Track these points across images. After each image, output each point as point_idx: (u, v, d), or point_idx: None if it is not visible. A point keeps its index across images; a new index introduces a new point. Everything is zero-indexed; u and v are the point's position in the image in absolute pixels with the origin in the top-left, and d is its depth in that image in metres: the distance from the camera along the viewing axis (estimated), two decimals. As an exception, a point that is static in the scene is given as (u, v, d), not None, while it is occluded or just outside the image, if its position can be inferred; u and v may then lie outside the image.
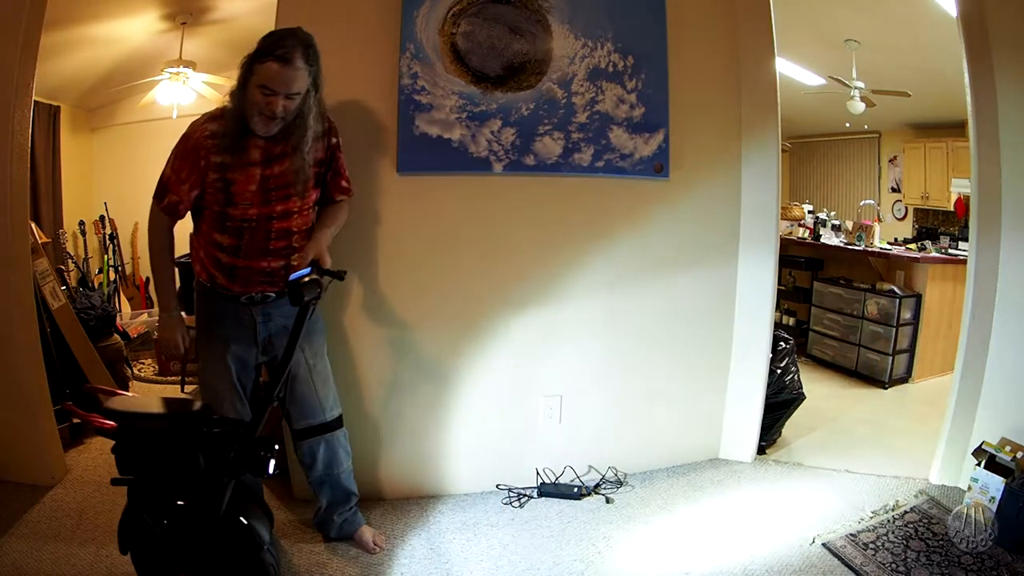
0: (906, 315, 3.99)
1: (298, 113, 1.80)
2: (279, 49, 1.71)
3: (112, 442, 1.65)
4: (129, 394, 1.76)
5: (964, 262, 2.76)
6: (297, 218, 1.90)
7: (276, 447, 1.66)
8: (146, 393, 3.61)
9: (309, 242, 1.89)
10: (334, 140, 1.97)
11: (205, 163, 1.78)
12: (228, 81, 4.47)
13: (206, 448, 1.63)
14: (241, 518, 1.69)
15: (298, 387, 1.99)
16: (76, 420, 1.70)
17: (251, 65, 1.74)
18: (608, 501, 2.53)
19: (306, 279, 1.70)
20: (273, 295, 1.91)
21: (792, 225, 5.33)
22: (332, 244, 1.96)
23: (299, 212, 1.90)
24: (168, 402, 1.77)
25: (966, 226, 3.14)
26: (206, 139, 1.78)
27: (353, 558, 2.10)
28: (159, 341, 1.96)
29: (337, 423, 2.07)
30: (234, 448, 1.64)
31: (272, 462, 1.65)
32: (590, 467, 2.67)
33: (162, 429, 1.65)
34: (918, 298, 4.02)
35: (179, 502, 1.64)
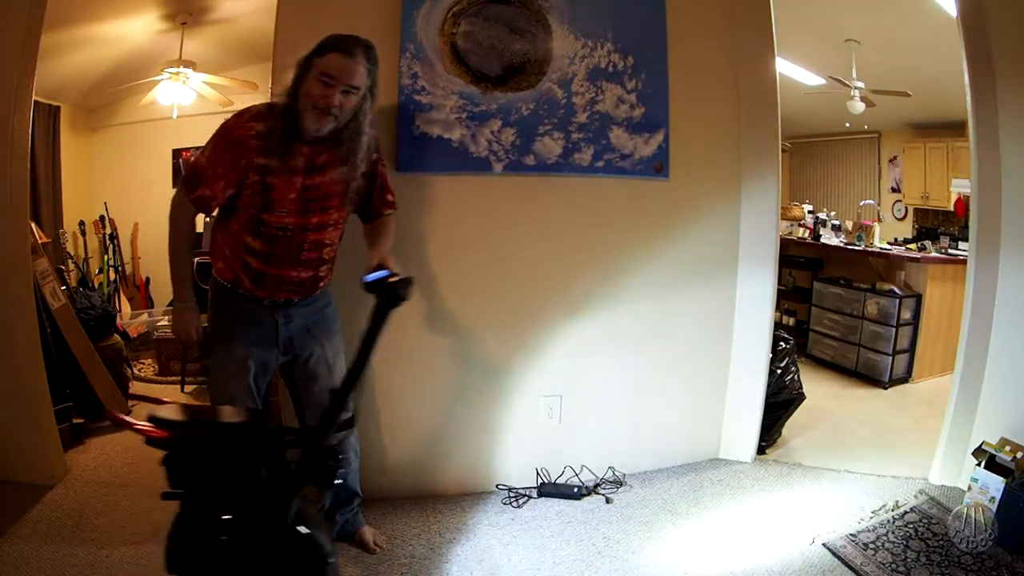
0: (906, 315, 3.99)
1: (352, 117, 1.77)
2: (341, 43, 1.71)
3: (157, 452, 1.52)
4: (176, 403, 1.71)
5: (964, 262, 2.76)
6: (332, 231, 1.88)
7: (340, 456, 1.61)
8: (146, 394, 3.61)
9: (372, 251, 1.82)
10: (375, 155, 1.94)
11: (246, 163, 1.72)
12: (228, 81, 4.52)
13: (268, 458, 1.56)
14: (303, 528, 1.59)
15: (317, 386, 1.97)
16: (128, 427, 1.58)
17: (310, 59, 1.71)
18: (608, 501, 2.53)
19: (394, 277, 1.61)
20: (296, 300, 1.89)
21: (792, 225, 5.33)
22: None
23: (334, 225, 1.88)
24: (223, 411, 1.71)
25: (966, 226, 3.14)
26: (251, 138, 1.72)
27: (354, 558, 2.10)
28: (173, 329, 1.94)
29: (350, 423, 2.04)
30: (300, 457, 1.56)
31: (340, 472, 1.60)
32: (590, 467, 2.67)
33: (221, 438, 1.56)
34: (918, 298, 4.02)
35: (239, 516, 1.54)
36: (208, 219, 2.30)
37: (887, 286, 4.08)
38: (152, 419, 1.57)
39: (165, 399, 1.73)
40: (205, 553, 1.54)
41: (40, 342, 2.48)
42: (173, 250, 1.85)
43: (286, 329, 1.90)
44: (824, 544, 2.20)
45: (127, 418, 1.61)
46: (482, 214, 2.46)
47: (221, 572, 1.55)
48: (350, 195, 1.88)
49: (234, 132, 1.74)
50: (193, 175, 1.76)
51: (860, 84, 5.09)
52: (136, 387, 3.65)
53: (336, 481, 1.60)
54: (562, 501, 2.52)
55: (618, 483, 2.65)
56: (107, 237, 5.13)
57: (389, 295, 1.60)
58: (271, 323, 1.88)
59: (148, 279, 5.41)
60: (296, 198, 1.77)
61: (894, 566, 2.06)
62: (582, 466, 2.65)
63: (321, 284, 1.94)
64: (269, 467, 1.56)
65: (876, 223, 4.62)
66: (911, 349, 4.04)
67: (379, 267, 1.70)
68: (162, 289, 5.29)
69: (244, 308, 1.86)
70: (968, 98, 2.47)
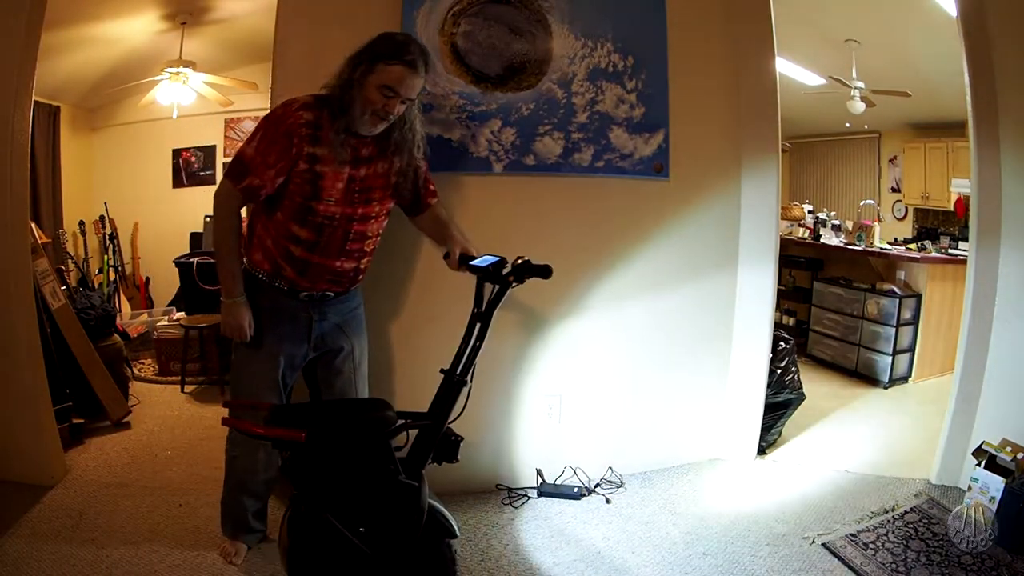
0: (906, 315, 3.99)
1: (402, 118, 1.81)
2: (408, 55, 1.71)
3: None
4: (289, 403, 1.72)
5: (964, 262, 2.76)
6: (374, 223, 1.90)
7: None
8: (146, 393, 3.61)
9: (449, 241, 1.94)
10: (420, 152, 1.96)
11: (297, 151, 1.72)
12: (228, 81, 4.52)
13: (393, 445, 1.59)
14: (435, 504, 1.64)
15: (340, 382, 1.97)
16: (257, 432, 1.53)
17: (373, 64, 1.71)
18: (607, 501, 2.53)
19: (517, 262, 1.77)
20: (332, 294, 1.89)
21: (792, 225, 5.33)
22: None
23: (376, 217, 1.90)
24: (351, 404, 1.74)
25: (966, 226, 3.14)
26: (301, 126, 1.72)
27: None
28: (224, 325, 1.85)
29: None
30: (424, 437, 1.62)
31: (460, 444, 1.66)
32: (589, 467, 2.67)
33: (356, 433, 1.57)
34: (918, 298, 4.02)
35: (376, 506, 1.56)
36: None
37: (887, 286, 4.08)
38: (277, 420, 1.55)
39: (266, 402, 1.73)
40: (342, 546, 1.53)
41: (40, 342, 2.48)
42: (221, 244, 1.81)
43: (319, 326, 1.90)
44: (824, 544, 2.20)
45: (254, 426, 1.53)
46: (482, 214, 2.46)
47: (358, 562, 1.54)
48: (394, 189, 1.91)
49: (285, 121, 1.73)
50: (240, 165, 1.74)
51: (860, 84, 5.09)
52: (136, 387, 3.65)
53: (458, 457, 1.66)
54: (562, 501, 2.52)
55: (618, 483, 2.65)
56: (107, 237, 5.13)
57: (516, 274, 1.74)
58: (306, 319, 1.88)
59: (148, 279, 5.41)
60: (343, 188, 1.79)
61: (894, 566, 2.06)
62: (585, 466, 2.65)
63: (360, 277, 1.95)
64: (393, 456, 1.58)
65: (876, 223, 4.62)
66: (911, 349, 4.04)
67: (463, 254, 1.85)
68: (162, 289, 5.29)
69: (279, 302, 1.85)
70: (968, 98, 2.47)
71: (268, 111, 1.84)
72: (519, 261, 1.77)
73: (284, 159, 1.72)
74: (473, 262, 1.83)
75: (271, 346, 1.86)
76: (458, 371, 1.71)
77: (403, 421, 1.63)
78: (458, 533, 1.68)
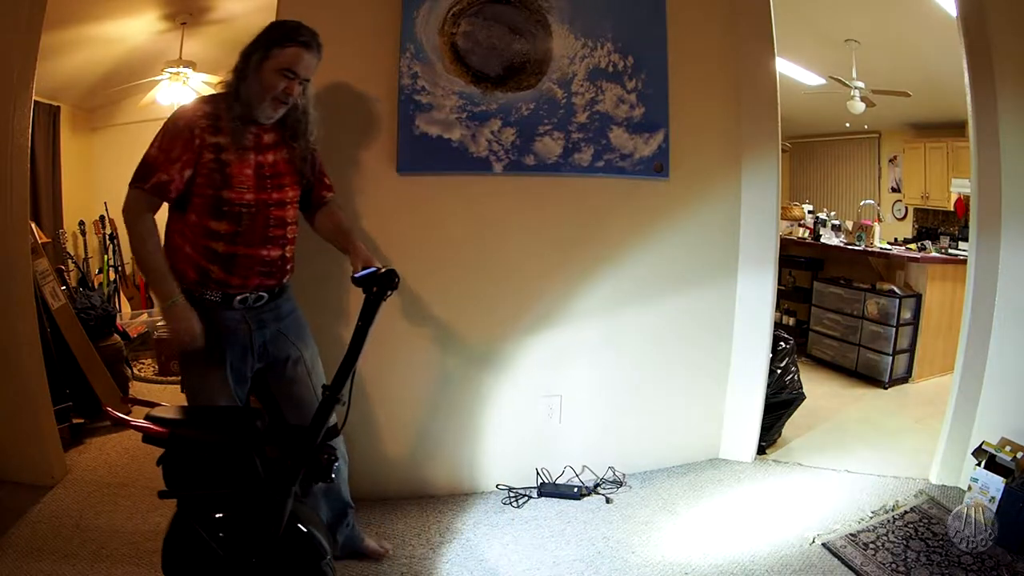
0: (906, 315, 3.99)
1: (295, 103, 1.81)
2: (301, 36, 1.73)
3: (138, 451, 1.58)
4: (168, 405, 1.70)
5: (964, 262, 2.76)
6: (290, 208, 1.88)
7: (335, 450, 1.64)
8: (146, 393, 3.61)
9: (351, 253, 1.86)
10: (313, 137, 1.93)
11: (200, 142, 1.72)
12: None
13: (263, 455, 1.58)
14: (300, 525, 1.61)
15: (296, 390, 1.92)
16: (125, 423, 1.59)
17: (268, 49, 1.72)
18: (608, 501, 2.53)
19: (382, 269, 1.72)
20: (266, 296, 1.84)
21: (792, 225, 5.33)
22: (327, 246, 1.97)
23: (292, 203, 1.88)
24: (220, 411, 1.71)
25: (966, 226, 3.14)
26: (200, 118, 1.73)
27: (356, 560, 2.10)
28: (172, 334, 1.74)
29: (335, 429, 1.90)
30: (295, 453, 1.59)
31: (336, 465, 1.63)
32: (590, 467, 2.67)
33: (220, 437, 1.57)
34: (918, 298, 4.02)
35: (238, 513, 1.57)
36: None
37: (887, 286, 4.08)
38: (151, 417, 1.58)
39: (160, 403, 1.73)
40: (203, 551, 1.54)
41: (40, 342, 2.48)
42: (139, 248, 1.74)
43: (260, 335, 1.84)
44: (824, 544, 2.20)
45: (125, 416, 1.59)
46: (482, 214, 2.46)
47: (218, 570, 1.56)
48: (300, 175, 1.90)
49: (182, 117, 1.74)
50: (145, 167, 1.73)
51: (860, 84, 5.09)
52: (136, 387, 3.65)
53: (332, 476, 1.62)
54: (562, 501, 2.52)
55: (618, 483, 2.65)
56: (107, 237, 5.13)
57: (380, 286, 1.68)
58: (245, 330, 1.82)
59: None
60: (252, 174, 1.78)
61: (894, 566, 2.06)
62: (582, 466, 2.65)
63: (288, 268, 1.90)
64: (264, 464, 1.57)
65: (876, 223, 4.61)
66: (911, 349, 4.04)
67: (364, 267, 1.77)
68: (162, 289, 5.28)
69: (214, 316, 1.78)
70: (968, 98, 2.47)
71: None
72: (381, 271, 1.73)
73: (188, 151, 1.71)
74: (355, 274, 1.76)
75: (218, 365, 1.79)
76: (340, 388, 1.67)
77: (268, 434, 1.62)
78: (328, 553, 1.65)
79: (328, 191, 2.02)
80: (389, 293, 1.73)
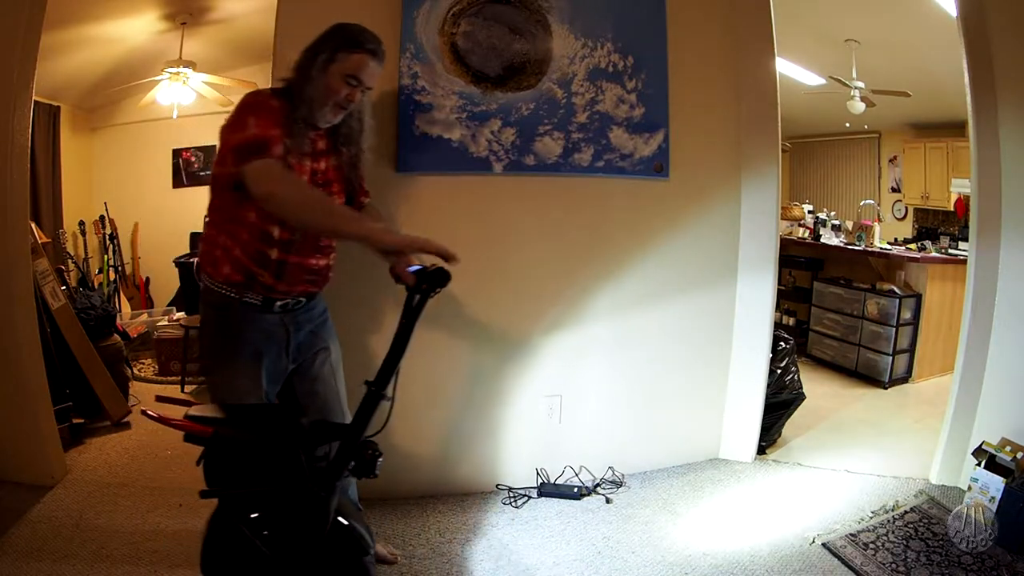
0: (906, 315, 3.99)
1: (351, 110, 1.78)
2: (369, 43, 1.69)
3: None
4: (204, 404, 1.67)
5: (964, 262, 2.76)
6: None
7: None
8: (146, 393, 3.61)
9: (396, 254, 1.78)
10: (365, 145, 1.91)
11: (282, 130, 1.62)
12: (228, 81, 4.52)
13: (308, 452, 1.56)
14: (342, 519, 1.59)
15: (321, 390, 1.90)
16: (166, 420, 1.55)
17: (335, 52, 1.67)
18: (608, 501, 2.53)
19: (431, 267, 1.66)
20: (304, 300, 1.82)
21: (792, 225, 5.33)
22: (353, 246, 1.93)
23: None
24: (262, 408, 1.69)
25: (966, 226, 3.14)
26: (278, 110, 1.63)
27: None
28: (408, 244, 1.66)
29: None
30: (340, 450, 1.58)
31: (380, 461, 1.60)
32: (590, 467, 2.67)
33: (266, 435, 1.55)
34: (918, 298, 4.02)
35: (282, 511, 1.54)
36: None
37: (887, 286, 4.08)
38: (191, 416, 1.55)
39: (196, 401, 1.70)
40: (247, 553, 1.52)
41: (40, 342, 2.48)
42: (319, 207, 1.62)
43: (296, 337, 1.83)
44: (824, 544, 2.20)
45: (165, 416, 1.57)
46: (482, 214, 2.46)
47: (262, 568, 1.53)
48: (348, 180, 1.87)
49: (266, 99, 1.67)
50: (258, 140, 1.57)
51: (860, 84, 5.09)
52: (136, 387, 3.65)
53: (376, 472, 1.59)
54: (562, 501, 2.52)
55: (618, 483, 2.65)
56: (107, 237, 5.14)
57: (430, 283, 1.64)
58: (282, 332, 1.79)
59: (148, 279, 5.41)
60: (308, 181, 1.74)
61: (894, 566, 2.06)
62: (582, 466, 2.65)
63: (330, 275, 1.91)
64: (309, 460, 1.55)
65: (876, 223, 4.62)
66: (911, 349, 4.04)
67: (409, 265, 1.71)
68: (162, 289, 5.29)
69: (253, 319, 1.75)
70: (968, 98, 2.47)
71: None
72: (431, 268, 1.67)
73: (279, 127, 1.62)
74: (409, 268, 1.69)
75: (254, 366, 1.76)
76: (385, 385, 1.64)
77: (313, 431, 1.61)
78: (372, 548, 1.64)
79: (366, 196, 2.00)
80: (438, 290, 1.67)
